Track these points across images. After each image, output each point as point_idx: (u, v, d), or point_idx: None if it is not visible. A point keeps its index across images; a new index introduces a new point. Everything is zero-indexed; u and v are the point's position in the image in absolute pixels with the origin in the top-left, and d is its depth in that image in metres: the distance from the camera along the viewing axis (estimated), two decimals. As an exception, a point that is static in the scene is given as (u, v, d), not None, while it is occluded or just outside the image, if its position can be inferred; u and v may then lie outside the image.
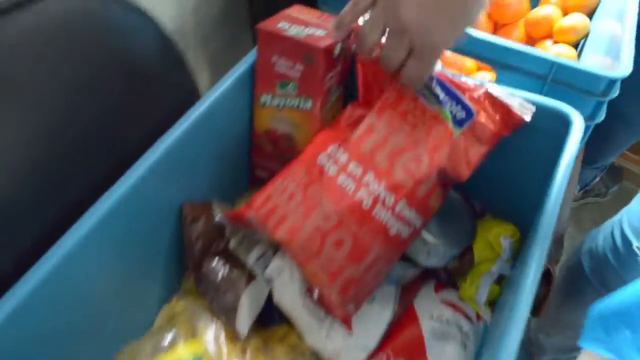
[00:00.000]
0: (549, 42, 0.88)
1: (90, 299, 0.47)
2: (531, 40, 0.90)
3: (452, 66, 0.81)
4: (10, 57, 0.42)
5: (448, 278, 0.66)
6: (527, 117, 0.50)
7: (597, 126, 1.25)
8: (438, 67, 0.54)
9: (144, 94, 0.54)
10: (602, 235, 0.87)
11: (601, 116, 0.59)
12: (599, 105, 0.58)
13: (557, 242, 0.79)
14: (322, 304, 0.55)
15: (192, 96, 0.58)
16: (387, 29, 0.48)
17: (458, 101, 0.52)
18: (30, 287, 0.40)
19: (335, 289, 0.52)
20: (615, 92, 0.58)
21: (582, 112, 0.54)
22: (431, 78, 0.53)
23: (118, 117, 0.52)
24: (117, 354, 0.52)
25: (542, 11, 0.89)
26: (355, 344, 0.56)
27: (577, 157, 0.88)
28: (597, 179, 1.44)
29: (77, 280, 0.45)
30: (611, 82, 0.56)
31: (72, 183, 0.47)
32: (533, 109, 0.51)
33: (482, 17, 0.90)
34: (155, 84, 0.55)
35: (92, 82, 0.49)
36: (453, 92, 0.52)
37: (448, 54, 0.84)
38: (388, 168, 0.52)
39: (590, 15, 0.87)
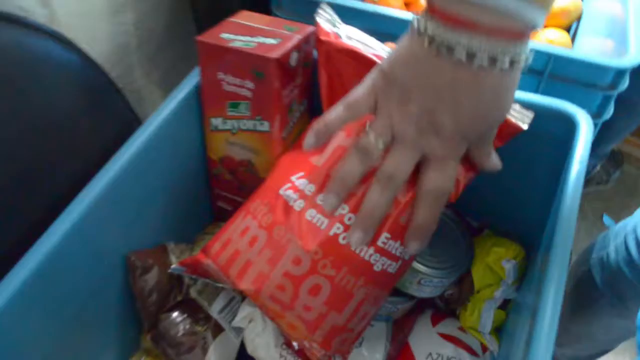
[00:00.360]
0: (537, 28, 0.80)
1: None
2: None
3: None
4: None
5: (446, 306, 0.58)
6: (525, 126, 0.42)
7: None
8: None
9: (73, 131, 0.46)
10: (613, 245, 0.79)
11: (609, 111, 0.51)
12: (606, 99, 0.50)
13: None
14: (304, 358, 0.47)
15: (131, 126, 0.49)
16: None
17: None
18: None
19: (317, 341, 0.45)
20: (625, 84, 0.49)
21: (587, 109, 0.46)
22: None
23: (45, 162, 0.44)
24: None
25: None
26: (343, 399, 0.48)
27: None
28: (598, 167, 1.37)
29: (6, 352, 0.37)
30: (619, 72, 0.48)
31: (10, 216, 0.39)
32: (531, 115, 0.43)
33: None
34: (85, 118, 0.47)
35: (11, 128, 0.40)
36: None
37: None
38: (362, 195, 0.43)
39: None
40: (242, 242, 0.45)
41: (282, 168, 0.47)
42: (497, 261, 0.51)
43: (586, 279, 0.85)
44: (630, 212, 0.86)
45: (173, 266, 0.48)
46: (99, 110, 0.48)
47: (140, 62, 0.64)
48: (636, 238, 0.71)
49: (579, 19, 0.76)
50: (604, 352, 0.99)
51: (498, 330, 0.57)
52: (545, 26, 0.79)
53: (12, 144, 0.41)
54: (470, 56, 0.32)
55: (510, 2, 0.30)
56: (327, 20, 0.48)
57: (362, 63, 0.47)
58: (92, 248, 0.45)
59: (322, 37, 0.47)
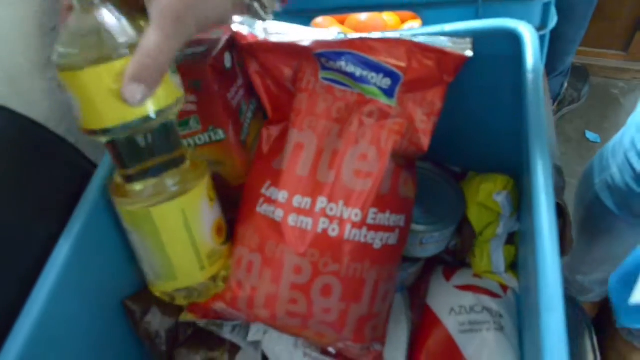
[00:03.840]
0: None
1: None
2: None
3: (371, 28, 0.73)
4: None
5: (454, 258, 0.57)
6: (468, 52, 0.41)
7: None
8: (340, 36, 0.45)
9: (28, 189, 0.44)
10: (615, 166, 0.77)
11: (552, 19, 0.50)
12: (546, 7, 0.49)
13: (555, 169, 0.71)
14: (345, 358, 0.47)
15: (90, 171, 0.48)
16: None
17: (378, 69, 0.42)
18: None
19: (349, 339, 0.44)
20: (559, -13, 0.49)
21: (530, 22, 0.45)
22: (338, 56, 0.43)
23: (8, 228, 0.42)
24: None
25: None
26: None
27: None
28: (565, 85, 1.37)
29: None
30: (551, -23, 0.47)
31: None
32: (469, 41, 0.42)
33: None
34: (37, 181, 0.45)
35: None
36: (369, 62, 0.43)
37: (363, 17, 0.75)
38: (336, 180, 0.42)
39: None
40: (240, 272, 0.44)
41: (249, 186, 0.47)
42: (488, 197, 0.50)
43: (597, 205, 0.84)
44: (610, 121, 0.85)
45: (182, 315, 0.47)
46: (49, 168, 0.46)
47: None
48: (638, 153, 0.70)
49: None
50: (631, 265, 0.98)
51: (514, 266, 0.56)
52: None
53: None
54: None
55: None
56: (241, 24, 0.46)
57: (286, 53, 0.45)
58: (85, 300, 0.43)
59: (242, 42, 0.45)
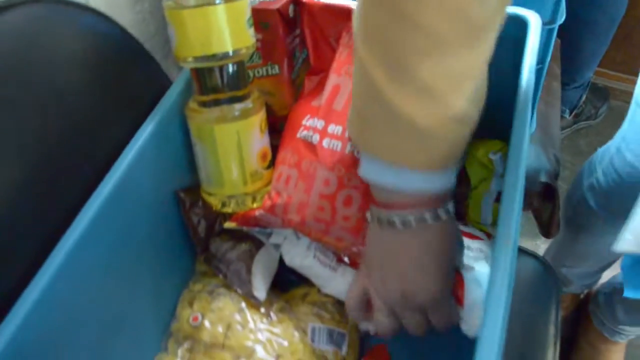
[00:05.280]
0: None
1: (104, 293, 0.49)
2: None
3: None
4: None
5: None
6: None
7: (566, 40, 1.25)
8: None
9: (116, 93, 0.56)
10: (600, 170, 0.87)
11: (562, 16, 0.60)
12: (557, 5, 0.59)
13: (554, 157, 0.80)
14: (357, 265, 0.56)
15: (166, 85, 0.59)
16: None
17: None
18: (45, 283, 0.41)
19: (362, 243, 0.53)
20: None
21: (541, 15, 0.55)
22: None
23: (95, 119, 0.54)
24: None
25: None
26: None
27: (553, 75, 0.90)
28: (583, 98, 1.45)
29: (83, 278, 0.46)
30: (565, -22, 0.58)
31: (60, 187, 0.49)
32: None
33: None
34: (126, 82, 0.57)
35: (63, 88, 0.50)
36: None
37: None
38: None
39: None
40: (279, 184, 0.55)
41: (292, 120, 0.58)
42: (485, 155, 0.60)
43: (582, 204, 0.93)
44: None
45: (226, 224, 0.58)
46: (140, 73, 0.58)
47: (157, 47, 0.74)
48: (623, 156, 0.79)
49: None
50: (611, 263, 1.08)
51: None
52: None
53: (72, 100, 0.51)
54: (403, 224, 0.43)
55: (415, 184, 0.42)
56: None
57: (333, 14, 0.56)
58: (145, 188, 0.53)
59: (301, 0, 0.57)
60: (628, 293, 0.63)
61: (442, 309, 0.48)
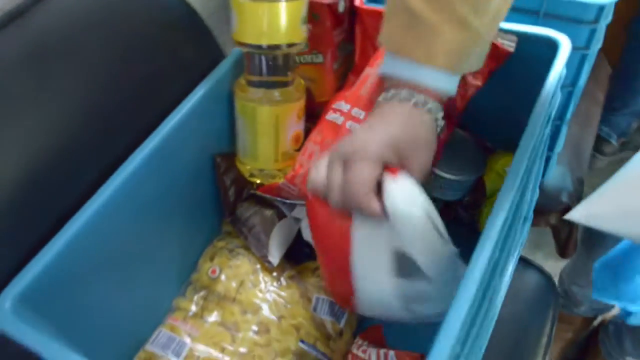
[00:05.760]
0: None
1: (138, 235, 0.55)
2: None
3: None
4: (70, 26, 0.50)
5: (466, 212, 0.71)
6: (511, 48, 0.55)
7: (624, 65, 1.25)
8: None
9: (174, 59, 0.62)
10: None
11: (597, 44, 0.62)
12: (592, 33, 0.61)
13: (577, 179, 0.82)
14: None
15: (219, 57, 0.65)
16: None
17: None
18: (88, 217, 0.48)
19: None
20: (608, 18, 0.61)
21: (576, 42, 0.58)
22: None
23: (154, 81, 0.60)
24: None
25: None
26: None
27: (594, 100, 0.91)
28: (633, 126, 1.43)
29: (123, 217, 0.52)
30: (601, 8, 0.60)
31: (120, 135, 0.55)
32: (515, 39, 0.55)
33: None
34: (183, 50, 0.63)
35: (127, 48, 0.57)
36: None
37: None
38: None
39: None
40: (303, 158, 0.60)
41: (327, 106, 0.62)
42: (502, 167, 0.64)
43: None
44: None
45: (253, 190, 0.64)
46: (197, 44, 0.65)
47: (217, 23, 0.80)
48: None
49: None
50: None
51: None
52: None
53: (136, 59, 0.58)
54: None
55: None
56: None
57: (380, 19, 0.60)
58: (187, 151, 0.59)
59: (353, 2, 0.62)
60: (594, 295, 0.65)
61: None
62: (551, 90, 0.51)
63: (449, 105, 0.58)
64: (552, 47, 0.55)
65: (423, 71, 0.45)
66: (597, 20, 0.60)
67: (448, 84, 0.47)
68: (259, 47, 0.55)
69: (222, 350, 0.56)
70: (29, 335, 0.41)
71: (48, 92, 0.50)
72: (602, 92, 0.93)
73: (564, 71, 0.54)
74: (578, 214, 0.60)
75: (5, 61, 0.48)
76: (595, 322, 1.15)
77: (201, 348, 0.55)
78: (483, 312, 0.46)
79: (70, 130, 0.51)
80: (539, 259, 1.09)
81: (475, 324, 0.42)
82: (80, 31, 0.53)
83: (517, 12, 0.60)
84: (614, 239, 0.91)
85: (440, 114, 0.47)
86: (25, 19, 0.50)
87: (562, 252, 0.86)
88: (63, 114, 0.51)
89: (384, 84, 0.49)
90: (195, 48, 0.67)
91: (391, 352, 0.55)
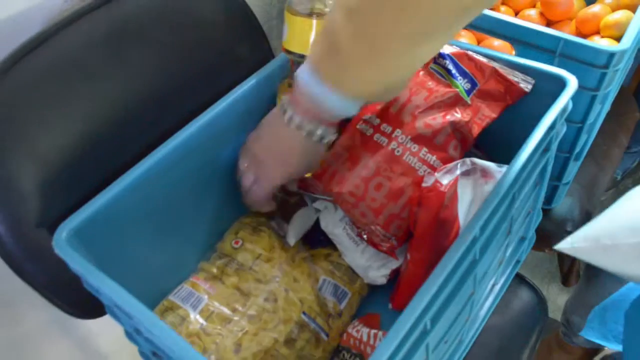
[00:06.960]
0: (596, 38, 0.96)
1: (178, 198, 0.64)
2: (581, 36, 0.99)
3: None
4: (148, 16, 0.60)
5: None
6: (527, 89, 0.62)
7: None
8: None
9: (231, 55, 0.72)
10: None
11: (606, 87, 0.68)
12: (602, 76, 0.67)
13: (586, 215, 0.87)
14: (372, 243, 0.68)
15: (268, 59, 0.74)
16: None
17: (465, 75, 0.64)
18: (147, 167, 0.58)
19: (380, 224, 0.65)
20: (619, 65, 0.67)
21: (587, 83, 0.64)
22: (443, 57, 0.65)
23: (211, 71, 0.70)
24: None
25: (591, 9, 0.97)
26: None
27: (616, 143, 0.95)
28: (636, 162, 1.48)
29: (170, 182, 0.61)
30: (611, 55, 0.65)
31: (177, 110, 0.66)
32: (532, 82, 0.62)
33: (535, 14, 1.00)
34: (237, 48, 0.72)
35: (195, 43, 0.67)
36: (461, 68, 0.65)
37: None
38: (411, 122, 0.65)
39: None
40: (331, 159, 0.67)
41: (358, 114, 0.69)
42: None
43: None
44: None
45: (292, 184, 0.71)
46: (248, 42, 0.74)
47: (273, 29, 0.89)
48: None
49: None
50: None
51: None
52: (602, 37, 0.95)
53: (194, 48, 0.67)
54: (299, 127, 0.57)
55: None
56: None
57: None
58: (230, 133, 0.68)
59: None
60: (583, 332, 0.69)
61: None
62: (551, 121, 0.57)
63: (464, 131, 0.65)
64: (559, 84, 0.61)
65: (330, 96, 0.53)
66: (607, 65, 0.66)
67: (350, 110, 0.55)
68: (302, 56, 0.64)
69: (234, 310, 0.64)
70: (76, 261, 0.50)
71: (121, 67, 0.60)
72: (626, 135, 0.97)
73: (570, 106, 0.60)
74: (566, 245, 0.66)
75: (93, 37, 0.59)
76: (597, 358, 1.17)
77: (216, 305, 0.64)
78: (454, 313, 0.52)
79: (135, 101, 0.61)
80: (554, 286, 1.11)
81: (439, 319, 0.47)
82: (156, 22, 0.63)
83: (536, 50, 0.67)
84: (610, 274, 0.96)
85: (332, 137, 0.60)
86: (112, 5, 0.60)
87: (565, 280, 0.90)
88: (131, 86, 0.61)
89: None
90: (250, 48, 0.76)
91: (380, 333, 0.61)
